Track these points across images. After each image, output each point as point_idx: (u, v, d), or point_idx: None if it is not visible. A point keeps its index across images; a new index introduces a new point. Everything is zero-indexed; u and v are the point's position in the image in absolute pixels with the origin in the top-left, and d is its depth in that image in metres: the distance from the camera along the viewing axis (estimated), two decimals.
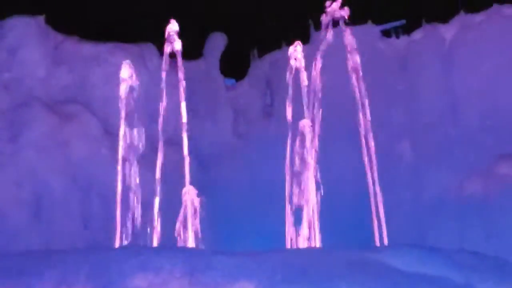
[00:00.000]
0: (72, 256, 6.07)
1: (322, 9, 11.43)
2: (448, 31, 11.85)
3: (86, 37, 12.20)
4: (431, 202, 10.84)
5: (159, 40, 11.28)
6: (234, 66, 13.05)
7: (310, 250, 7.65)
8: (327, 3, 10.11)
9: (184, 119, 10.03)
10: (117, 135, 10.48)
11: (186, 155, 10.14)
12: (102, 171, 11.08)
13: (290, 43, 10.66)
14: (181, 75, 10.21)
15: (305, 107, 10.61)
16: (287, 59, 11.15)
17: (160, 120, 9.94)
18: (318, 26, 11.89)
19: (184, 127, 10.27)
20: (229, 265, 6.03)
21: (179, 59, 10.21)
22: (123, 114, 10.49)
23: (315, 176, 9.78)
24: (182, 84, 10.24)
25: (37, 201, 10.92)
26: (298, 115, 10.81)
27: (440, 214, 10.71)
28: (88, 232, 10.92)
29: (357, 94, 10.42)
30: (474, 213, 10.58)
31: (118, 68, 10.88)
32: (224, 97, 12.64)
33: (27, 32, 11.75)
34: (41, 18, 11.95)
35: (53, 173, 11.06)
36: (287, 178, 9.50)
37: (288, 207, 8.97)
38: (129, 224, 10.00)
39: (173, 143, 11.02)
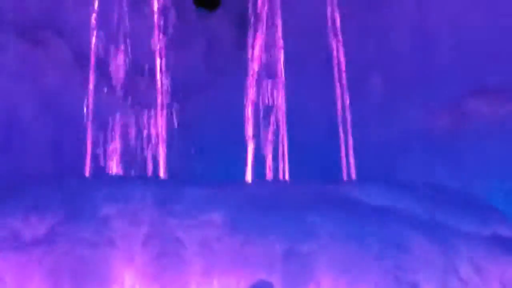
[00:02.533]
0: (44, 184, 6.15)
1: None
2: None
3: None
4: (400, 136, 10.94)
5: None
6: None
7: (278, 182, 7.78)
8: None
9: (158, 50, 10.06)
10: (88, 60, 10.48)
11: (158, 85, 10.19)
12: (73, 97, 11.07)
13: None
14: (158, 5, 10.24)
15: (279, 35, 10.64)
16: None
17: None
18: None
19: (157, 55, 10.29)
20: (198, 195, 6.13)
21: None
22: (93, 40, 10.46)
23: (285, 109, 9.87)
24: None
25: (8, 126, 10.91)
26: (271, 46, 10.85)
27: (408, 148, 10.83)
28: (58, 157, 10.95)
29: (330, 24, 10.46)
30: (441, 147, 10.74)
31: None
32: (197, 27, 12.60)
33: None
34: None
35: (24, 98, 11.03)
36: (253, 111, 9.58)
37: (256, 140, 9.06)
38: (99, 151, 10.07)
39: (146, 71, 11.04)
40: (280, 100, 10.20)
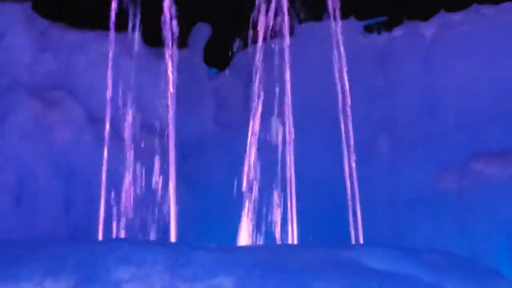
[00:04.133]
0: (58, 248, 6.28)
1: (306, 3, 11.65)
2: (428, 28, 12.08)
3: (72, 24, 12.34)
4: (407, 199, 11.07)
5: (144, 28, 11.46)
6: (218, 56, 13.22)
7: (286, 246, 7.88)
8: None
9: (170, 108, 10.24)
10: (100, 121, 10.66)
11: (171, 146, 10.35)
12: (85, 157, 11.25)
13: (274, 35, 10.88)
14: (169, 65, 10.43)
15: (286, 100, 10.83)
16: (270, 50, 11.36)
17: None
18: (302, 18, 12.12)
19: (170, 116, 10.46)
20: (208, 260, 6.25)
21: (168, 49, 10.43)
22: (108, 101, 10.66)
23: (293, 171, 10.00)
24: (170, 73, 10.46)
25: (20, 186, 11.07)
26: (280, 107, 11.03)
27: (415, 211, 10.95)
28: (70, 217, 11.10)
29: (339, 88, 10.64)
30: (448, 210, 10.84)
31: (102, 56, 11.06)
32: (207, 86, 12.83)
33: (14, 18, 11.85)
34: (28, 4, 12.07)
35: (36, 158, 11.21)
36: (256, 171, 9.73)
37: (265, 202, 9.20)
38: (111, 211, 10.20)
39: (156, 130, 11.21)
40: (288, 161, 10.35)
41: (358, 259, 6.42)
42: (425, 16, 12.26)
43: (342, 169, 10.24)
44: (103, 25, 12.31)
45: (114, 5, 10.95)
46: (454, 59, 11.69)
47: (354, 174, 10.12)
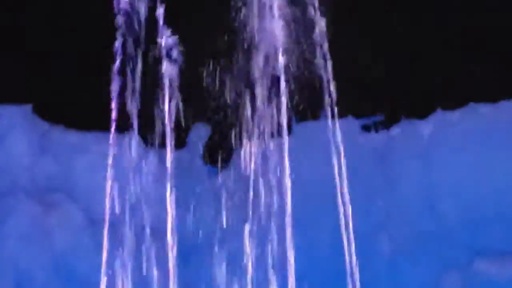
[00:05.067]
0: None
1: (305, 100, 11.75)
2: (426, 127, 12.17)
3: (72, 126, 12.41)
4: None
5: (144, 129, 11.53)
6: (217, 155, 13.26)
7: None
8: None
9: (170, 211, 10.23)
10: (99, 224, 10.64)
11: (170, 248, 10.30)
12: (83, 260, 11.20)
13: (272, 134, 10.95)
14: (168, 165, 10.47)
15: (286, 198, 10.84)
16: (269, 149, 11.41)
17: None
18: (300, 118, 12.22)
19: (170, 219, 10.45)
20: None
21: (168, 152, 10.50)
22: (107, 204, 10.66)
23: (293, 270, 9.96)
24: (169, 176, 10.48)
25: None
26: (279, 206, 11.03)
27: None
28: None
29: (338, 187, 10.66)
30: None
31: (102, 157, 11.10)
32: (207, 186, 12.83)
33: (14, 121, 11.95)
34: (28, 107, 12.17)
35: (35, 262, 11.16)
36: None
37: None
38: None
39: (156, 233, 11.17)
40: (290, 261, 10.31)
41: None
42: (422, 114, 12.37)
43: (344, 269, 10.21)
44: (103, 127, 12.41)
45: (114, 106, 11.06)
46: (452, 157, 11.75)
47: (356, 272, 10.07)
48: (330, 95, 11.23)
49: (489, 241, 11.21)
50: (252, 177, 12.48)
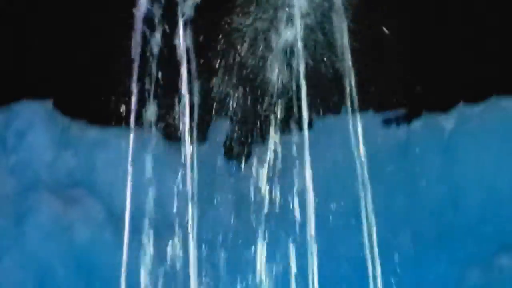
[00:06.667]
0: None
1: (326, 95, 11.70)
2: (447, 121, 12.09)
3: (92, 121, 12.42)
4: None
5: (165, 124, 11.53)
6: (237, 151, 13.23)
7: None
8: None
9: (191, 205, 10.24)
10: (120, 219, 10.64)
11: (191, 242, 10.30)
12: (104, 255, 11.20)
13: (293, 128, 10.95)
14: (188, 160, 10.47)
15: (308, 192, 10.81)
16: (290, 144, 11.38)
17: None
18: (320, 112, 12.16)
19: (190, 213, 10.45)
20: None
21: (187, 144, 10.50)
22: (128, 198, 10.67)
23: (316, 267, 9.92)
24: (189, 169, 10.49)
25: (41, 285, 11.02)
26: (301, 201, 11.00)
27: None
28: None
29: (359, 181, 10.62)
30: None
31: (123, 152, 11.10)
32: (227, 181, 12.81)
33: (35, 116, 11.99)
34: (49, 102, 12.19)
35: (56, 257, 11.18)
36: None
37: None
38: None
39: (178, 228, 11.16)
40: (310, 256, 10.28)
41: None
42: (444, 108, 12.28)
43: (366, 262, 10.15)
44: (124, 122, 12.42)
45: (134, 101, 11.05)
46: (474, 151, 11.67)
47: (378, 268, 10.02)
48: (351, 90, 11.19)
49: None
50: (273, 172, 12.48)
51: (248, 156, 13.50)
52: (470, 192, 11.56)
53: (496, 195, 11.40)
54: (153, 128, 12.72)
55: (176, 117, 11.34)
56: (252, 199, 12.75)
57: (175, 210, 11.10)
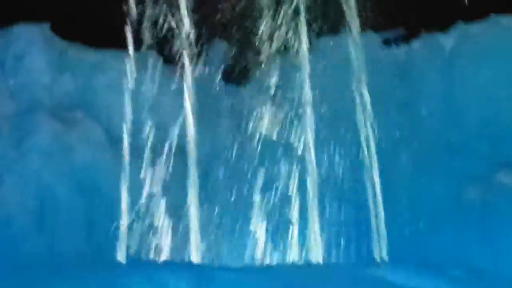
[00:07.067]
0: (81, 271, 6.26)
1: (323, 17, 11.62)
2: (447, 40, 12.01)
3: (90, 44, 12.34)
4: (430, 210, 10.98)
5: (163, 46, 11.49)
6: (236, 72, 13.20)
7: (311, 265, 7.83)
8: None
9: (191, 128, 10.29)
10: (120, 140, 10.68)
11: (191, 162, 10.36)
12: (105, 176, 11.25)
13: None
14: (187, 82, 10.48)
15: (307, 114, 10.84)
16: (289, 64, 11.37)
17: None
18: (320, 32, 12.10)
19: (189, 134, 10.50)
20: (231, 280, 6.23)
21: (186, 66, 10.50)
22: (127, 121, 10.69)
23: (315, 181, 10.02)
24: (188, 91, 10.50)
25: (42, 206, 11.08)
26: (300, 121, 11.04)
27: (438, 223, 10.85)
28: (92, 237, 11.09)
29: (358, 101, 10.64)
30: (473, 222, 10.75)
31: (121, 75, 11.09)
32: (226, 103, 12.80)
33: (33, 39, 11.90)
34: (46, 26, 12.09)
35: (57, 178, 11.22)
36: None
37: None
38: (133, 232, 10.21)
39: (176, 149, 11.21)
40: (309, 170, 10.36)
41: (383, 277, 6.37)
42: (443, 27, 12.19)
43: (364, 183, 10.22)
44: (122, 44, 12.37)
45: (131, 23, 11.00)
46: (474, 70, 11.61)
47: (378, 186, 10.10)
48: (350, 10, 11.12)
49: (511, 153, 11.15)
50: (271, 93, 12.49)
51: (247, 79, 13.49)
52: (469, 111, 11.54)
53: (495, 113, 11.40)
54: (152, 51, 12.72)
55: (176, 39, 11.30)
56: (252, 121, 12.79)
57: (174, 132, 11.14)
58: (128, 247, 9.48)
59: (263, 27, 12.37)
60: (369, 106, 10.64)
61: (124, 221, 9.58)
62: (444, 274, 6.55)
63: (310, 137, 10.71)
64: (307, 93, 11.04)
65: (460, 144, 11.39)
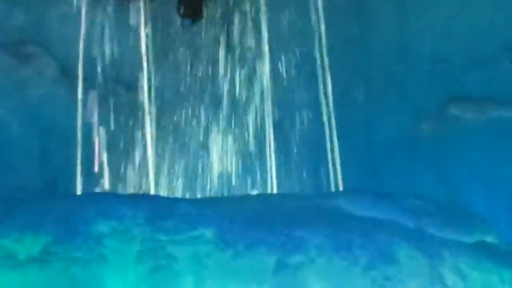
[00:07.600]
0: (36, 203, 6.25)
1: None
2: None
3: None
4: (384, 146, 11.09)
5: None
6: (191, 7, 13.09)
7: (268, 196, 7.90)
8: None
9: (145, 63, 10.22)
10: (74, 76, 10.59)
11: (146, 98, 10.33)
12: (59, 111, 11.17)
13: None
14: (142, 17, 10.38)
15: (263, 48, 10.82)
16: None
17: None
18: None
19: (144, 69, 10.44)
20: (190, 212, 6.25)
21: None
22: (81, 55, 10.59)
23: (271, 120, 10.04)
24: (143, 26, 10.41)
25: None
26: (257, 54, 11.03)
27: (392, 157, 10.98)
28: (46, 172, 11.05)
29: (316, 36, 10.64)
30: (426, 156, 10.89)
31: (75, 9, 10.95)
32: (181, 38, 12.70)
33: None
34: None
35: (11, 113, 11.11)
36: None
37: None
38: (89, 165, 10.19)
39: (132, 85, 11.15)
40: (266, 110, 10.37)
41: (339, 206, 6.46)
42: None
43: (320, 118, 10.27)
44: None
45: None
46: (427, 4, 11.63)
47: (333, 122, 10.15)
48: None
49: (465, 87, 11.24)
50: (226, 27, 12.43)
51: (200, 15, 13.40)
52: (423, 44, 11.57)
53: (449, 47, 11.45)
54: None
55: None
56: (208, 53, 12.74)
57: (130, 65, 11.07)
58: (83, 181, 9.47)
59: None
60: (324, 39, 10.63)
61: (79, 155, 9.54)
62: (399, 203, 6.65)
63: (266, 67, 10.68)
64: (263, 25, 10.99)
65: (413, 78, 11.45)
